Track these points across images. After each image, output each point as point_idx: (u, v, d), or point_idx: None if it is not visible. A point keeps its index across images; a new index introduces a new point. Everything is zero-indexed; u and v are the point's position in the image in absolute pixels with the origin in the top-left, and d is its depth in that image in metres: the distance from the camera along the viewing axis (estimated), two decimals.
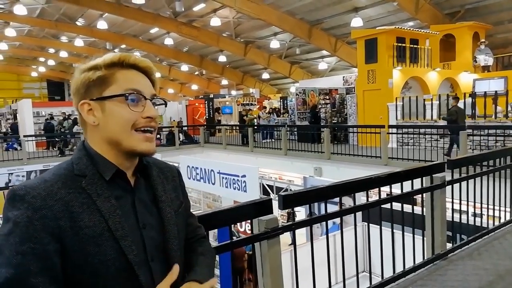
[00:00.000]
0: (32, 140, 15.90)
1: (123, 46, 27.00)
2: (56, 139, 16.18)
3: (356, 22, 16.92)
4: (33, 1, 19.79)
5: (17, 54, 33.42)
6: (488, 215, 3.77)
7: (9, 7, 20.75)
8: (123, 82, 0.97)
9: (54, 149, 16.10)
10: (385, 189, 2.80)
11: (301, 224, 2.21)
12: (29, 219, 0.83)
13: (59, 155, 14.75)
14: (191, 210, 1.20)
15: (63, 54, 31.04)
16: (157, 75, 1.08)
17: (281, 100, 21.95)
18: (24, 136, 15.53)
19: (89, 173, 0.93)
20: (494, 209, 3.80)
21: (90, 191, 0.91)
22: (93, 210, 0.89)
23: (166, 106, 1.08)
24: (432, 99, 11.81)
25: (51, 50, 31.71)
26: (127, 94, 0.95)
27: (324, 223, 2.39)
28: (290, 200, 2.11)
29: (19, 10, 18.90)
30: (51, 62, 35.09)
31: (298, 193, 2.17)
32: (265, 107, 18.21)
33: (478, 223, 3.76)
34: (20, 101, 21.12)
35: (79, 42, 26.08)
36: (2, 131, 22.91)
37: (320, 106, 15.63)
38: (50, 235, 0.84)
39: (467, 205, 3.52)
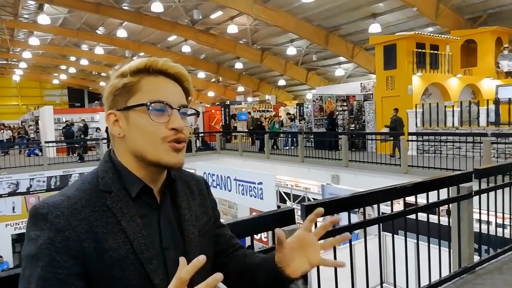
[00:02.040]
0: (53, 146, 16.26)
1: (142, 54, 27.47)
2: (76, 145, 16.49)
3: (374, 28, 16.78)
4: (56, 10, 20.38)
5: (39, 62, 34.43)
6: None
7: (34, 17, 21.44)
8: (148, 91, 0.89)
9: (74, 155, 16.42)
10: (407, 199, 2.71)
11: (324, 235, 2.14)
12: (51, 240, 0.78)
13: (79, 161, 15.02)
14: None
15: (84, 62, 31.82)
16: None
17: (297, 107, 21.89)
18: (45, 142, 15.90)
19: (115, 189, 0.87)
20: None
21: (115, 210, 0.85)
22: (118, 230, 0.84)
23: (198, 116, 1.01)
24: (453, 105, 11.55)
25: (72, 58, 32.54)
26: (148, 104, 0.87)
27: None
28: (313, 210, 2.04)
29: (43, 19, 19.49)
30: (72, 70, 36.00)
31: (321, 202, 2.11)
32: (288, 113, 18.13)
33: (505, 235, 3.60)
34: (42, 107, 21.66)
35: (99, 50, 26.68)
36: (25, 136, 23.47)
37: (337, 113, 15.48)
38: (74, 258, 0.79)
39: (495, 216, 3.38)
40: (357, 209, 3.03)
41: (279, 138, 15.90)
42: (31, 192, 13.26)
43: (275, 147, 15.34)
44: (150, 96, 0.89)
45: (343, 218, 2.46)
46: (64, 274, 0.78)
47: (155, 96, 0.89)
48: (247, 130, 18.57)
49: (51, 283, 0.77)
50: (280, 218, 1.95)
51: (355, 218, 2.42)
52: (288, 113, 18.08)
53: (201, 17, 19.68)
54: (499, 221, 3.64)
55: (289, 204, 10.44)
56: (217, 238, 1.07)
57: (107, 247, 0.82)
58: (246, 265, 1.03)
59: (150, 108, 0.87)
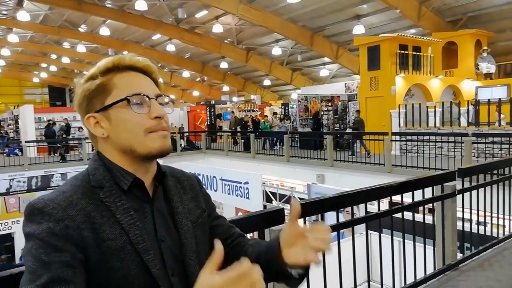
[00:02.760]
0: (34, 146, 15.88)
1: (125, 52, 26.76)
2: (58, 144, 16.14)
3: (358, 29, 16.98)
4: (36, 7, 19.89)
5: (19, 60, 33.55)
6: (498, 225, 3.71)
7: (13, 13, 20.87)
8: (123, 86, 0.91)
9: (56, 154, 16.07)
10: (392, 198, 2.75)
11: None
12: (51, 230, 0.78)
13: (60, 161, 14.71)
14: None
15: (65, 60, 31.16)
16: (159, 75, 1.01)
17: (283, 107, 21.96)
18: (26, 141, 15.51)
19: (107, 184, 0.88)
20: (504, 219, 3.75)
21: (108, 203, 0.86)
22: (113, 222, 0.85)
23: (173, 104, 1.01)
24: (435, 106, 11.79)
25: (53, 56, 31.83)
26: (128, 98, 0.89)
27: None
28: (303, 209, 2.05)
29: (22, 16, 18.97)
30: (53, 68, 35.21)
31: (311, 202, 2.13)
32: (275, 113, 18.01)
33: (486, 233, 3.70)
34: (22, 106, 21.14)
35: (81, 48, 26.17)
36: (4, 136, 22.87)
37: (322, 113, 15.60)
38: (75, 246, 0.79)
39: (478, 214, 3.47)
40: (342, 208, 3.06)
41: (267, 138, 15.77)
42: (11, 193, 12.92)
43: (266, 147, 15.14)
44: (127, 91, 0.91)
45: (330, 217, 2.49)
46: (69, 257, 0.77)
47: (132, 90, 0.91)
48: (233, 130, 18.49)
49: (56, 266, 0.75)
50: (270, 218, 1.96)
51: (340, 216, 2.44)
52: (274, 113, 18.02)
53: (185, 16, 19.53)
54: (481, 219, 3.74)
55: (275, 203, 10.48)
56: (215, 229, 1.07)
57: (105, 237, 0.82)
58: (246, 255, 1.01)
59: (130, 101, 0.90)
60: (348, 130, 13.00)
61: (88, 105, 0.93)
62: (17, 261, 12.25)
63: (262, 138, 15.56)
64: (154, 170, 0.97)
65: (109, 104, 0.90)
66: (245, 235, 1.14)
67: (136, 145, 0.90)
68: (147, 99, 0.91)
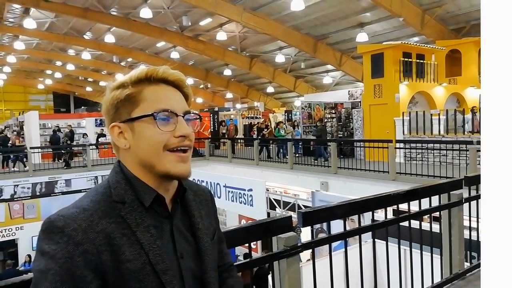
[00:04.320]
0: (38, 152, 15.94)
1: (130, 59, 27.27)
2: (62, 151, 16.20)
3: (362, 37, 17.04)
4: (42, 15, 20.13)
5: (24, 66, 33.87)
6: None
7: (19, 20, 21.12)
8: (152, 100, 0.90)
9: (60, 161, 16.11)
10: (395, 206, 2.74)
11: (321, 242, 2.16)
12: (70, 254, 0.77)
13: (65, 167, 14.75)
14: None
15: (70, 67, 31.42)
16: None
17: (286, 114, 21.96)
18: (31, 148, 15.57)
19: (128, 199, 0.87)
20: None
21: (129, 221, 0.85)
22: (133, 241, 0.84)
23: (200, 121, 1.00)
24: (439, 114, 11.76)
25: (58, 63, 32.10)
26: (155, 114, 0.88)
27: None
28: (310, 217, 2.05)
29: (29, 24, 19.20)
30: (57, 75, 35.50)
31: (317, 210, 2.12)
32: (289, 120, 17.74)
33: None
34: (27, 113, 21.28)
35: (86, 55, 26.41)
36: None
37: (326, 120, 15.59)
38: (93, 272, 0.78)
39: None
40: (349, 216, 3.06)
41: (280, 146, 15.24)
42: (15, 199, 12.95)
43: (282, 155, 14.30)
44: (155, 105, 0.89)
45: (336, 225, 2.48)
46: (86, 287, 0.77)
47: (160, 105, 0.89)
48: (234, 137, 18.48)
49: None
50: (278, 226, 1.96)
51: (340, 226, 2.42)
52: (289, 120, 17.84)
53: (190, 24, 19.68)
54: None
55: (279, 211, 10.44)
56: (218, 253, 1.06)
57: (124, 259, 0.82)
58: None
59: (157, 118, 0.88)
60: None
61: (115, 113, 0.92)
62: (21, 267, 12.23)
63: (276, 146, 15.03)
64: (175, 187, 0.96)
65: (135, 117, 0.89)
66: (233, 265, 1.13)
67: (154, 162, 0.89)
68: (174, 116, 0.90)
